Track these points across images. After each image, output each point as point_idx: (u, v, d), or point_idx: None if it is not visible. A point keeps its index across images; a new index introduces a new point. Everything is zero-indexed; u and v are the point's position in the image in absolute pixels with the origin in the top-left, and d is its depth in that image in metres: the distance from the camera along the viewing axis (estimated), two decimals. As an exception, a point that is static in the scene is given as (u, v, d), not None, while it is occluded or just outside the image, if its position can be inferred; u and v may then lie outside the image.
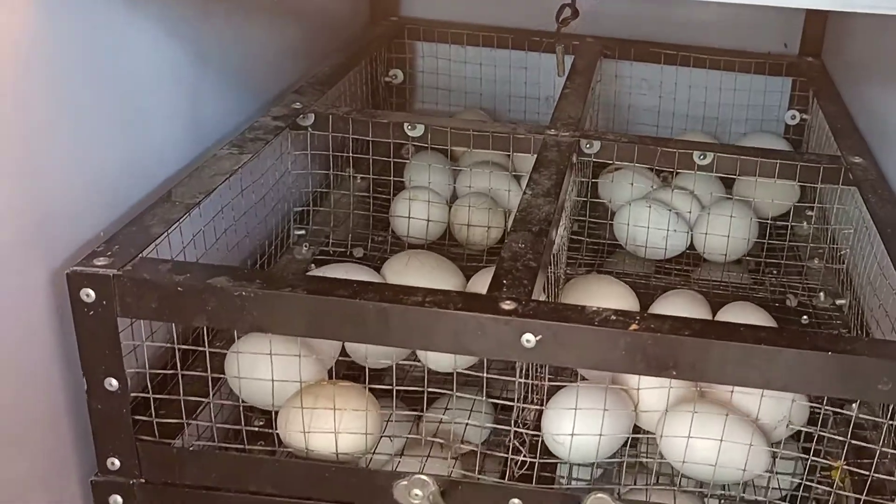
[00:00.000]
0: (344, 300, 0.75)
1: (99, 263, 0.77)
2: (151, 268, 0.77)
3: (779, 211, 1.30)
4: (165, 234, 0.83)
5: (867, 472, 0.81)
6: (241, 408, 0.88)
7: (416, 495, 0.81)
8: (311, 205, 1.21)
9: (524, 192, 0.95)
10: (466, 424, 0.93)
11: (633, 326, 0.74)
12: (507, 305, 0.75)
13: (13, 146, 0.75)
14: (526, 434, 0.86)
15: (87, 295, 0.76)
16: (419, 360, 0.94)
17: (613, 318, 0.75)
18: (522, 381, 0.82)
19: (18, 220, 0.76)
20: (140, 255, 0.79)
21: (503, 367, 0.88)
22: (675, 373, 0.75)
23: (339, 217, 1.22)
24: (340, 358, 0.95)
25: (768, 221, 1.24)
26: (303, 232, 1.19)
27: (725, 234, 1.20)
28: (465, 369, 0.84)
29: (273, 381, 0.81)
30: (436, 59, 1.54)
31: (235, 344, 0.88)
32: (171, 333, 0.82)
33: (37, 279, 0.79)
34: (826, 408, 0.80)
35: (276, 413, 0.87)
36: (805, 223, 1.32)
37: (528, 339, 0.74)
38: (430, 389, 0.85)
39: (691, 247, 1.26)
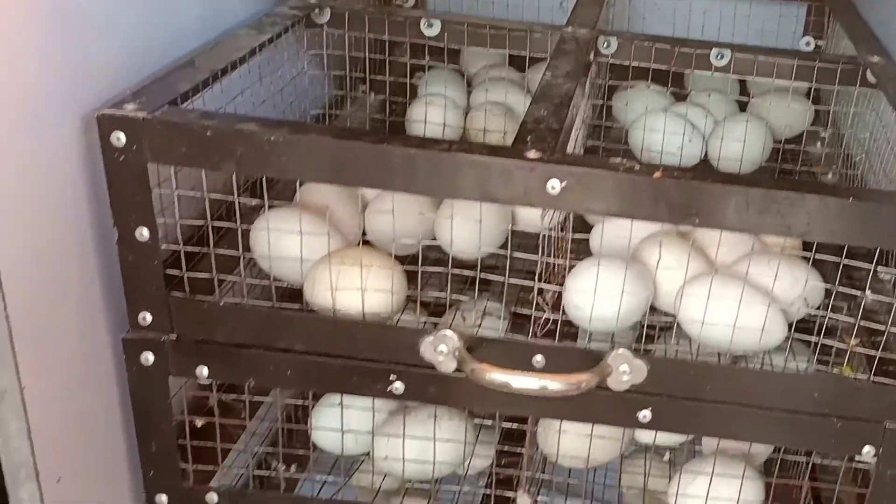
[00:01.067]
0: (371, 145, 0.76)
1: (129, 107, 0.77)
2: (181, 114, 0.78)
3: (792, 132, 1.30)
4: (193, 90, 0.83)
5: (882, 328, 0.82)
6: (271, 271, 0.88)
7: (442, 351, 0.82)
8: (326, 109, 1.22)
9: (544, 75, 0.95)
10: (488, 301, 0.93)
11: (657, 174, 0.75)
12: (533, 154, 0.76)
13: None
14: (548, 291, 0.86)
15: (118, 139, 0.76)
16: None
17: (637, 167, 0.76)
18: (547, 232, 0.83)
19: (52, 65, 0.77)
20: (169, 104, 0.80)
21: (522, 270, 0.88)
22: (697, 220, 0.76)
23: (355, 122, 1.23)
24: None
25: (783, 142, 1.24)
26: (321, 133, 1.19)
27: (741, 140, 1.21)
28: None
29: (301, 232, 0.82)
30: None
31: (261, 217, 0.89)
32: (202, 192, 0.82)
33: (69, 125, 0.79)
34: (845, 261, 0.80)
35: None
36: (819, 144, 1.32)
37: (554, 185, 0.75)
38: (453, 271, 0.84)
39: (706, 159, 1.27)
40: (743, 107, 1.34)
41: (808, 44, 1.50)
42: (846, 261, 0.79)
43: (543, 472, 0.96)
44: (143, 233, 0.80)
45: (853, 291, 0.84)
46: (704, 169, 0.77)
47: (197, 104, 0.85)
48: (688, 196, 0.75)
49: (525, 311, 0.87)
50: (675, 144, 1.22)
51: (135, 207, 0.79)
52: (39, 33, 0.75)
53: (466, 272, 0.87)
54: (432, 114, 1.20)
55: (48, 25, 0.76)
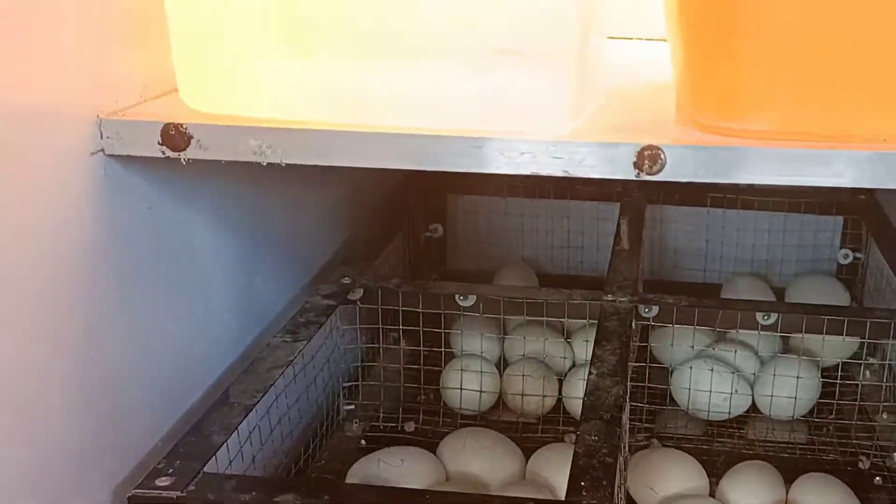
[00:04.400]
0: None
1: (161, 484, 0.73)
2: (216, 485, 0.73)
3: (840, 358, 1.25)
4: (225, 442, 0.79)
5: None
6: None
7: None
8: (360, 379, 1.18)
9: (590, 373, 0.91)
10: None
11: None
12: (590, 514, 0.71)
13: (75, 354, 0.73)
14: None
15: (150, 519, 0.72)
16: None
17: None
18: None
19: (78, 438, 0.73)
20: (202, 469, 0.75)
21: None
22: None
23: (388, 390, 1.18)
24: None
25: (836, 380, 1.18)
26: (352, 407, 1.16)
27: (790, 395, 1.16)
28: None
29: None
30: (476, 214, 1.52)
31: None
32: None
33: (98, 502, 0.75)
34: None
35: None
36: (868, 373, 1.27)
37: (617, 553, 0.70)
38: None
39: (754, 404, 1.22)
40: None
41: (846, 256, 1.47)
42: None
43: None
44: None
45: None
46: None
47: (231, 440, 0.81)
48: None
49: None
50: (721, 397, 1.17)
51: (168, 586, 0.74)
52: (67, 404, 0.71)
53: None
54: (468, 380, 1.16)
55: (76, 395, 0.73)
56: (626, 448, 0.99)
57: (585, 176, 0.70)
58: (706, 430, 1.20)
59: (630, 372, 1.03)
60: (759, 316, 1.08)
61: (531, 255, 1.53)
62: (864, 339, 1.09)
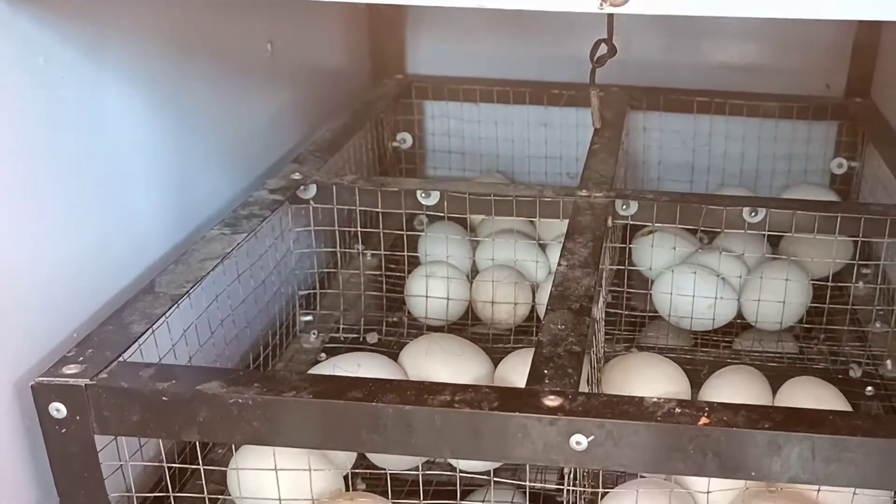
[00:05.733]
0: (358, 403, 0.63)
1: (69, 372, 0.65)
2: (131, 374, 0.66)
3: (832, 269, 1.17)
4: (148, 331, 0.71)
5: None
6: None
7: None
8: (317, 287, 1.10)
9: (559, 264, 0.84)
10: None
11: (703, 420, 0.63)
12: (552, 401, 0.64)
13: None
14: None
15: (57, 410, 0.64)
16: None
17: (678, 410, 0.63)
18: (571, 488, 0.70)
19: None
20: (118, 358, 0.67)
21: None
22: (753, 474, 0.63)
23: (348, 299, 1.11)
24: (358, 463, 0.84)
25: (827, 284, 1.10)
26: (310, 318, 1.08)
27: (779, 299, 1.08)
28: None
29: (280, 501, 0.69)
30: (447, 120, 1.43)
31: (235, 457, 0.76)
32: (161, 448, 0.71)
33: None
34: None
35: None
36: (861, 282, 1.19)
37: (579, 440, 0.63)
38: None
39: (739, 314, 1.14)
40: (775, 240, 1.22)
41: (840, 165, 1.39)
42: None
43: None
44: (95, 511, 0.67)
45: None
46: (760, 411, 0.64)
47: (160, 332, 0.73)
48: (741, 447, 0.62)
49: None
50: (705, 305, 1.09)
51: (82, 483, 0.66)
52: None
53: None
54: (434, 287, 1.08)
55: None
56: (601, 348, 0.92)
57: (538, 8, 0.61)
58: (690, 340, 1.12)
59: (606, 272, 0.95)
60: (745, 212, 0.99)
61: (507, 167, 1.45)
62: (858, 237, 1.01)
